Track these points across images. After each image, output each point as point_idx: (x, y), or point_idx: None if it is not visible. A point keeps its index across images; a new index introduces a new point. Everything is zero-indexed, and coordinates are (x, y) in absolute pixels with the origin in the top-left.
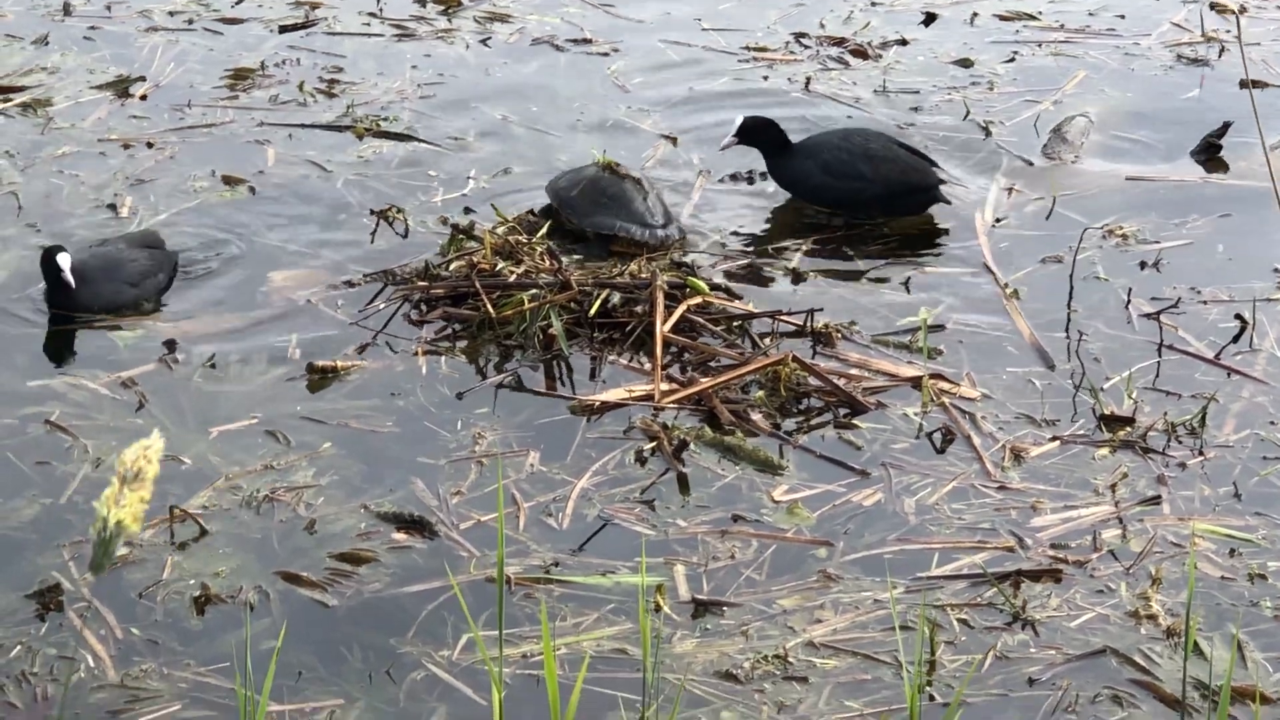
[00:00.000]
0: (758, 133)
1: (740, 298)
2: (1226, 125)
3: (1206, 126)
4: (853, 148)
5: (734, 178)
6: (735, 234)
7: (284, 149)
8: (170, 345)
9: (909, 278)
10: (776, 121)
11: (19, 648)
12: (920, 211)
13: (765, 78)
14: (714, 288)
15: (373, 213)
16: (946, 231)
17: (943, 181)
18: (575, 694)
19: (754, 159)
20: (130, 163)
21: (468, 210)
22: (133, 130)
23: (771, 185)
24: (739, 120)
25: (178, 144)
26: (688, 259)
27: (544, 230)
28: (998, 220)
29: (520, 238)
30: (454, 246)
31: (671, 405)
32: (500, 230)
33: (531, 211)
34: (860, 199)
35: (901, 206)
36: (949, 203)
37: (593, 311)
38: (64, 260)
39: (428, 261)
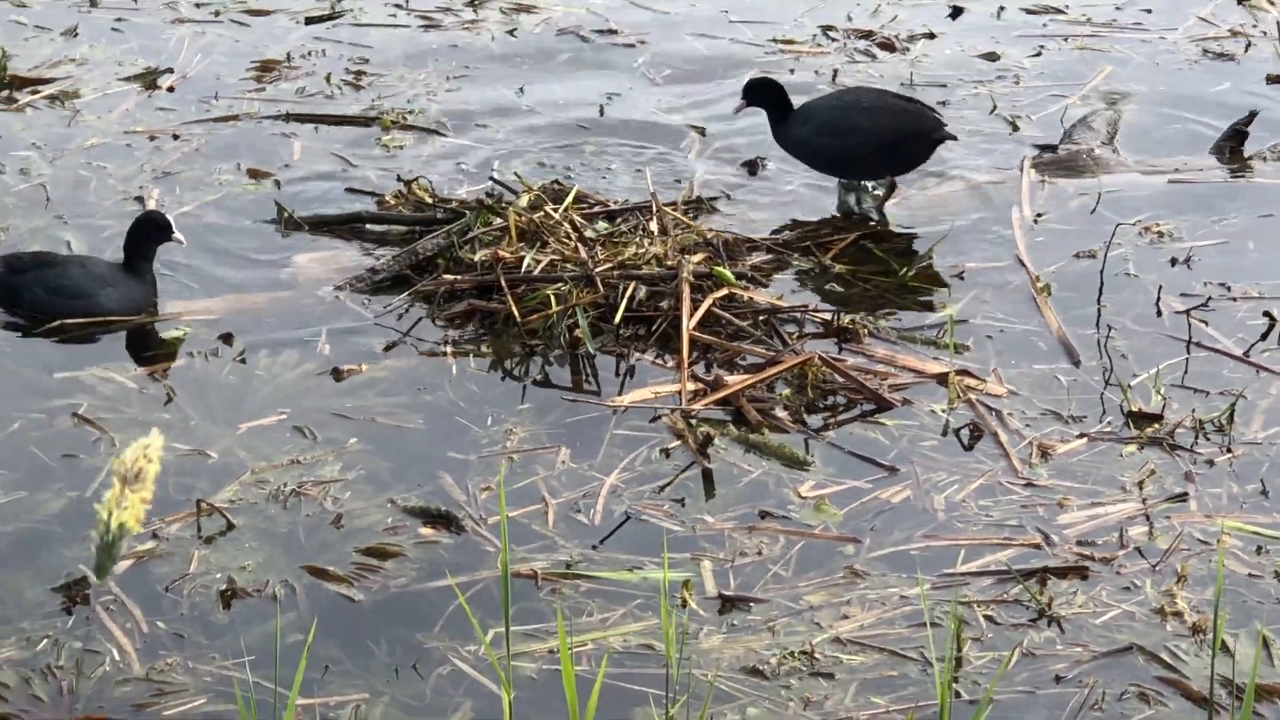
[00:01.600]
0: (763, 92)
1: (766, 286)
2: (1253, 114)
3: (1234, 118)
4: (846, 105)
5: (747, 165)
6: (760, 223)
7: (310, 142)
8: (227, 339)
9: (939, 271)
10: (780, 84)
11: (45, 641)
12: (925, 159)
13: (791, 70)
14: (739, 277)
15: (399, 179)
16: (981, 224)
17: (942, 125)
18: (596, 689)
19: (760, 147)
20: (156, 155)
21: (492, 179)
22: (159, 122)
23: (789, 179)
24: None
25: (203, 136)
26: (714, 242)
27: (570, 198)
28: (1039, 216)
29: (548, 208)
30: (479, 220)
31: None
32: (525, 202)
33: (557, 181)
34: (862, 154)
35: (904, 155)
36: (955, 138)
37: (618, 318)
38: (171, 218)
39: (453, 239)
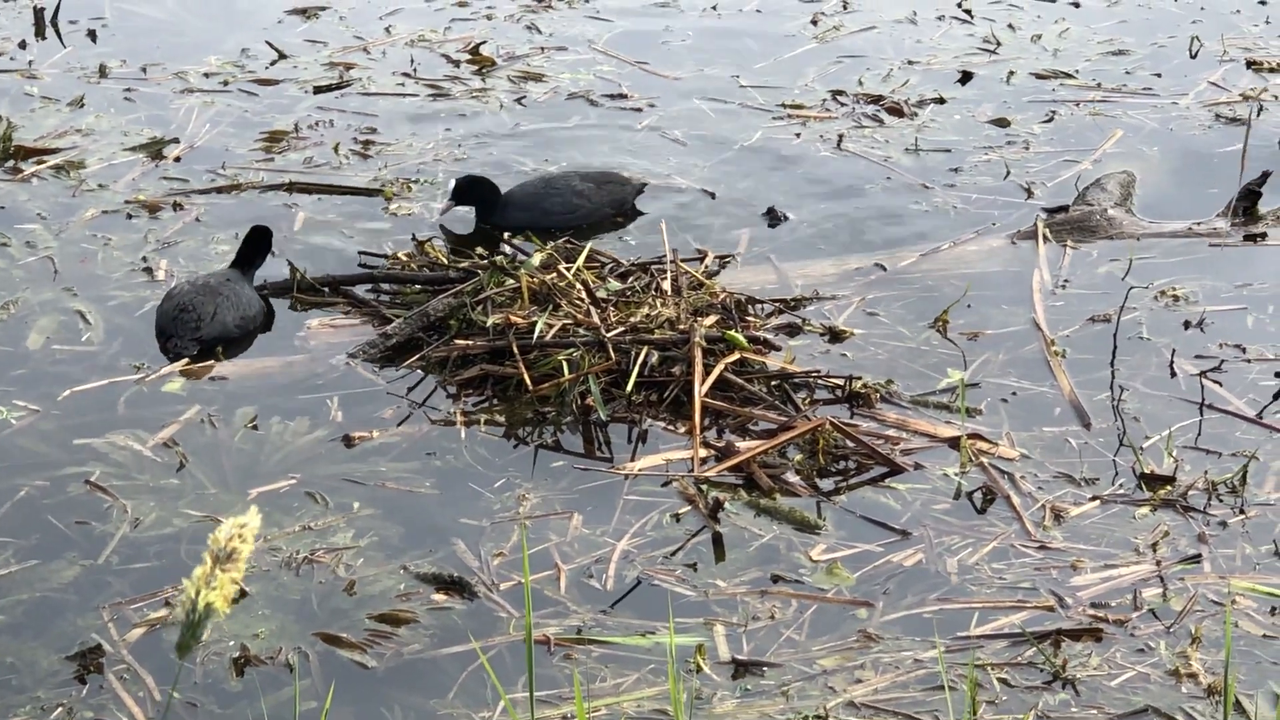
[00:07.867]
0: (471, 190)
1: (779, 349)
2: (1266, 174)
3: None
4: (550, 178)
5: (768, 214)
6: (776, 281)
7: (313, 212)
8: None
9: (953, 334)
10: (487, 179)
11: (59, 710)
12: (632, 196)
13: (798, 135)
14: (752, 340)
15: (414, 239)
16: (996, 287)
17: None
18: None
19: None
20: (159, 225)
21: (504, 240)
22: (163, 192)
23: (800, 234)
24: (453, 183)
25: (204, 206)
26: (727, 304)
27: (583, 256)
28: (1065, 283)
29: (562, 268)
30: (492, 280)
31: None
32: (537, 260)
33: (569, 240)
34: (574, 200)
35: (612, 191)
36: (644, 185)
37: (629, 386)
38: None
39: (465, 299)
